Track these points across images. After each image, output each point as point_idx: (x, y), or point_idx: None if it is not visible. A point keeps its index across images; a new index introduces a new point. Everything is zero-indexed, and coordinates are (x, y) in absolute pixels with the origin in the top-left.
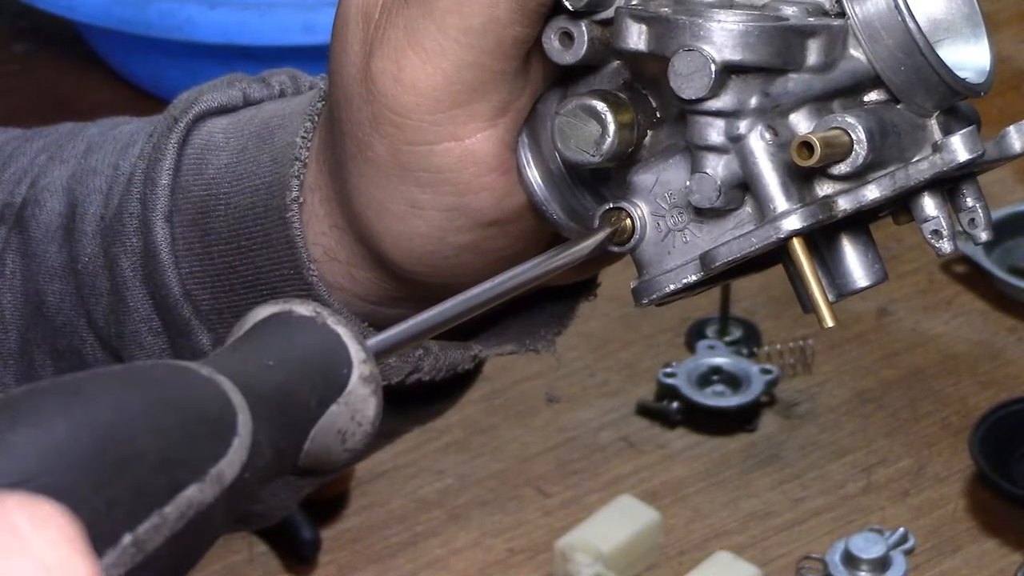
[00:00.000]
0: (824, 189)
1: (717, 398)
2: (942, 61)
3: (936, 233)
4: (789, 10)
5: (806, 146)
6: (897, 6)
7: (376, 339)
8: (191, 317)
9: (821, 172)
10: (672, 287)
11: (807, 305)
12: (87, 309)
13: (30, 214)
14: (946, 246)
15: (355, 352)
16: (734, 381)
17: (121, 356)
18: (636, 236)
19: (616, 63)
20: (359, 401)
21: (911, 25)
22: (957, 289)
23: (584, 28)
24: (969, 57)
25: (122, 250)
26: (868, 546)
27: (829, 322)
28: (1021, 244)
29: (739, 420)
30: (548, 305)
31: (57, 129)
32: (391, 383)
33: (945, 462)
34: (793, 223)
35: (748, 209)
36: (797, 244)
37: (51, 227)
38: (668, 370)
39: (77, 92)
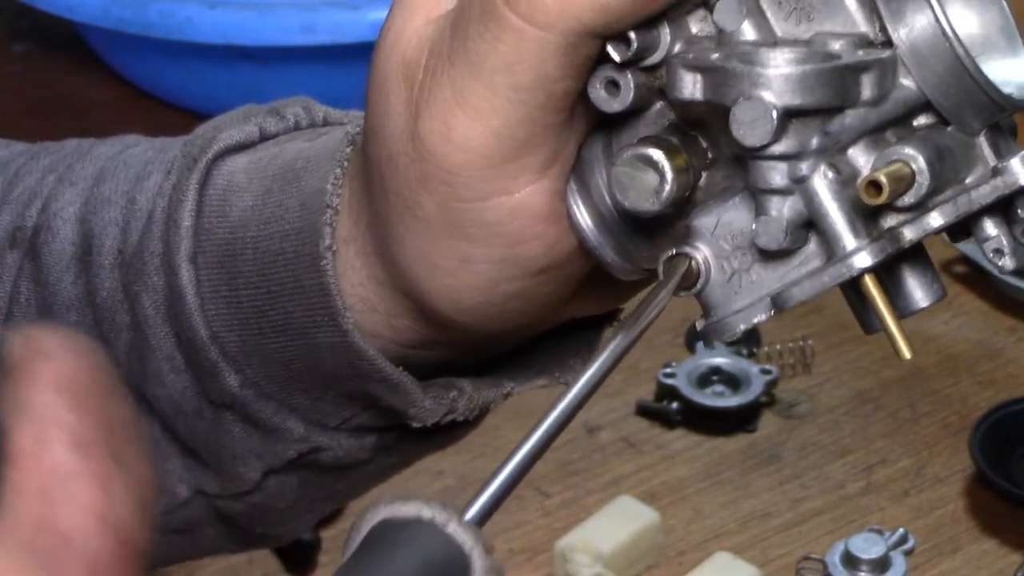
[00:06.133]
0: (888, 221)
1: (717, 398)
2: (991, 82)
3: (998, 252)
4: (836, 44)
5: (874, 185)
6: (944, 32)
7: (475, 508)
8: (218, 359)
9: (886, 205)
10: (743, 326)
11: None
12: (106, 343)
13: (42, 241)
14: (1008, 263)
15: (470, 548)
16: (734, 381)
17: (142, 391)
18: (702, 280)
19: (660, 104)
20: None
21: (959, 50)
22: (957, 289)
23: (630, 76)
24: (1009, 71)
25: (143, 288)
26: (868, 546)
27: (907, 354)
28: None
29: (739, 420)
30: (574, 333)
31: (63, 146)
32: (426, 425)
33: (945, 462)
34: (864, 260)
35: (812, 245)
36: (868, 279)
37: (64, 256)
38: (668, 370)
39: (77, 92)
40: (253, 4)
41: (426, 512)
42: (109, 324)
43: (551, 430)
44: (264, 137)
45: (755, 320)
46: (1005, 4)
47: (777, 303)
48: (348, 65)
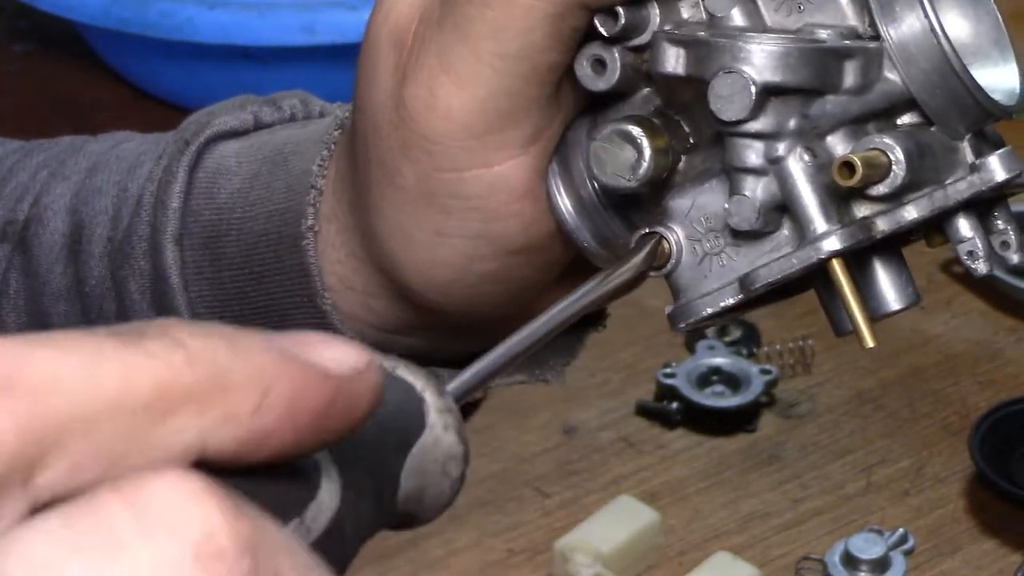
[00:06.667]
0: (862, 210)
1: (717, 398)
2: (977, 83)
3: (972, 254)
4: (824, 33)
5: (847, 166)
6: (933, 29)
7: (451, 386)
8: None
9: (859, 194)
10: (710, 310)
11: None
12: None
13: (33, 233)
14: (982, 267)
15: (421, 388)
16: (734, 381)
17: None
18: (673, 260)
19: (646, 90)
20: (440, 432)
21: (947, 48)
22: (957, 289)
23: (617, 55)
24: (998, 79)
25: (130, 273)
26: (868, 546)
27: (870, 342)
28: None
29: (739, 420)
30: (558, 336)
31: (57, 143)
32: None
33: (945, 462)
34: (833, 244)
35: (785, 232)
36: (837, 265)
37: (55, 247)
38: (667, 370)
39: (77, 92)
40: (253, 4)
41: (390, 367)
42: (97, 313)
43: (536, 334)
44: (259, 126)
45: (722, 304)
46: (1000, 17)
47: (744, 284)
48: (348, 65)
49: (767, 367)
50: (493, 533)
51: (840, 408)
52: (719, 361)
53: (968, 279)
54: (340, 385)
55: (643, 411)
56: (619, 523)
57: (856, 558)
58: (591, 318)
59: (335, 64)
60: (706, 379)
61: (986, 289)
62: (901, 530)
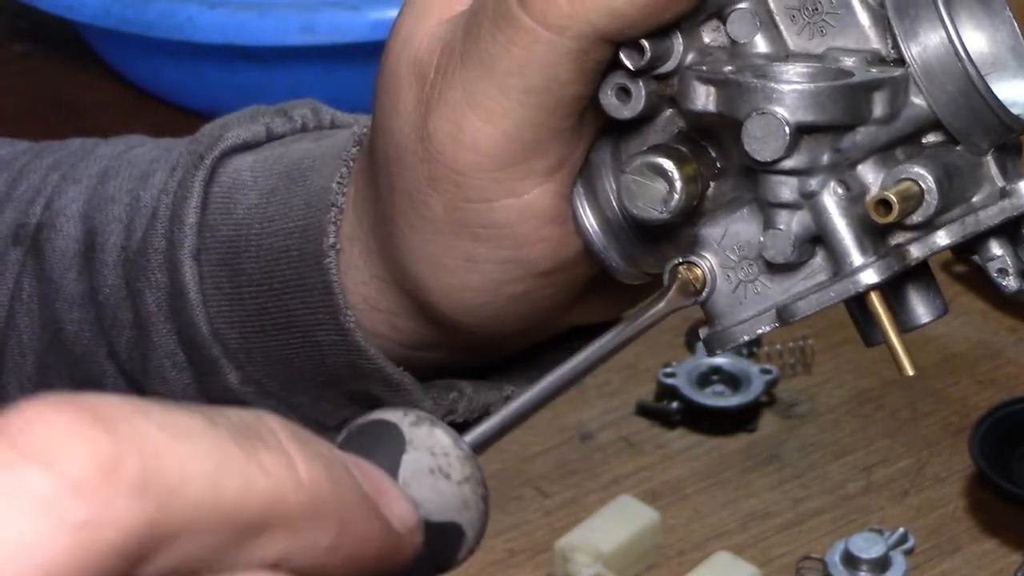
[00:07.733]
0: (896, 239)
1: (717, 398)
2: (1000, 102)
3: (1002, 271)
4: (849, 61)
5: (884, 204)
6: (956, 51)
7: (472, 435)
8: (219, 356)
9: (893, 223)
10: (747, 337)
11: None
12: (108, 340)
13: (45, 238)
14: (1012, 283)
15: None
16: (734, 381)
17: (143, 389)
18: (708, 289)
19: (669, 112)
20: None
21: (971, 69)
22: (957, 289)
23: (641, 84)
24: (1018, 91)
25: (146, 285)
26: (868, 546)
27: (910, 370)
28: None
29: (739, 420)
30: (575, 344)
31: (66, 145)
32: None
33: (945, 462)
34: (871, 277)
35: (819, 259)
36: (875, 296)
37: (68, 253)
38: (668, 370)
39: (77, 92)
40: (253, 4)
41: (406, 417)
42: (111, 321)
43: (563, 378)
44: (271, 137)
45: (759, 331)
46: (1016, 25)
47: (782, 316)
48: (348, 65)
49: (767, 367)
50: (493, 533)
51: (840, 408)
52: (719, 361)
53: (968, 279)
54: (396, 540)
55: (643, 411)
56: (619, 523)
57: (856, 558)
58: (607, 325)
59: (335, 64)
60: (706, 379)
61: (986, 289)
62: (901, 530)
